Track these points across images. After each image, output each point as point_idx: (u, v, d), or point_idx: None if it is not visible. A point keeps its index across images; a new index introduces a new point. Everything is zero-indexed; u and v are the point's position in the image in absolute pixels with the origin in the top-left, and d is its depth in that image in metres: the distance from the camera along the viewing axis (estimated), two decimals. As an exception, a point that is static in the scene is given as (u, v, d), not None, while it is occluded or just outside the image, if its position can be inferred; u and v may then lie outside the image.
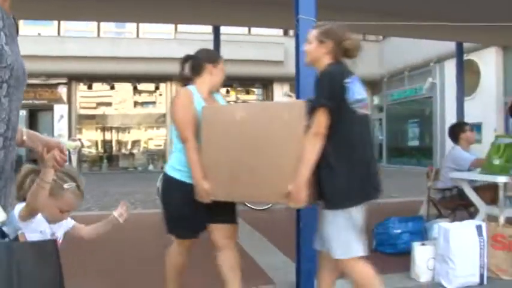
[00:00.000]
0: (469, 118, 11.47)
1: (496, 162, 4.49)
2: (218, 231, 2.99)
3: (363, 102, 2.72)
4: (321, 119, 2.51)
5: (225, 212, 2.98)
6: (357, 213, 2.60)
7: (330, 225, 2.63)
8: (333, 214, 2.61)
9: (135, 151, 22.56)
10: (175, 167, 2.91)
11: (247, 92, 22.47)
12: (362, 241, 2.61)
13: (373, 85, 22.47)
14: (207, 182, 2.74)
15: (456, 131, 5.77)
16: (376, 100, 22.76)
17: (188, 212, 2.87)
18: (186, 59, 3.12)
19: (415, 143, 20.49)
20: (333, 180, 2.56)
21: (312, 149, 2.50)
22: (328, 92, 2.55)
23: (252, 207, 7.68)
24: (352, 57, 2.78)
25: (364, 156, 2.63)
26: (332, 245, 2.62)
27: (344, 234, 2.58)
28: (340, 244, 2.59)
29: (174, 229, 3.01)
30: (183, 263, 3.09)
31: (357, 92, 2.66)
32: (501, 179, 4.42)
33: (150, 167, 21.04)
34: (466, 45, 10.75)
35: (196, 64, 3.07)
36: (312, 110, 2.56)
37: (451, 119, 9.90)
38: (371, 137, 2.87)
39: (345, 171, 2.54)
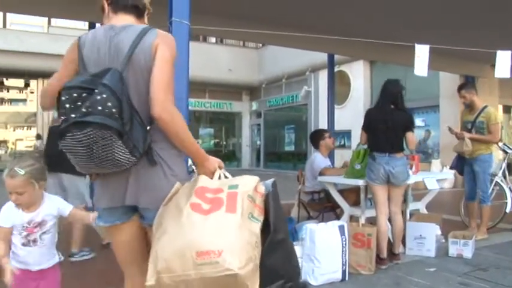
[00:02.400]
0: (340, 125, 12.26)
1: (358, 167, 4.86)
2: None
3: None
4: None
5: None
6: None
7: None
8: None
9: (0, 152, 20.89)
10: None
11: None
12: None
13: (252, 91, 23.05)
14: None
15: (316, 138, 6.14)
16: (254, 106, 23.33)
17: None
18: None
19: (291, 148, 21.34)
20: None
21: None
22: None
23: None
24: None
25: None
26: None
27: None
28: None
29: None
30: None
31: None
32: (362, 182, 4.80)
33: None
34: (338, 56, 11.46)
35: None
36: None
37: (324, 125, 10.47)
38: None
39: None
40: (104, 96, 1.72)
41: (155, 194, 1.93)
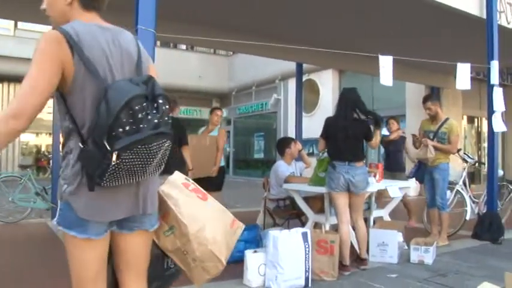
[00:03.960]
0: (309, 133, 12.36)
1: (322, 175, 4.93)
2: None
3: None
4: None
5: None
6: None
7: None
8: None
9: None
10: None
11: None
12: None
13: (222, 98, 23.03)
14: None
15: (283, 146, 6.20)
16: (224, 113, 23.20)
17: None
18: None
19: (260, 155, 21.40)
20: None
21: None
22: None
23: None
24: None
25: None
26: None
27: None
28: None
29: None
30: None
31: None
32: (326, 190, 4.86)
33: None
34: (307, 65, 11.59)
35: None
36: None
37: (293, 133, 10.58)
38: None
39: None
40: (167, 107, 1.76)
41: (155, 198, 2.00)
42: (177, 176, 2.24)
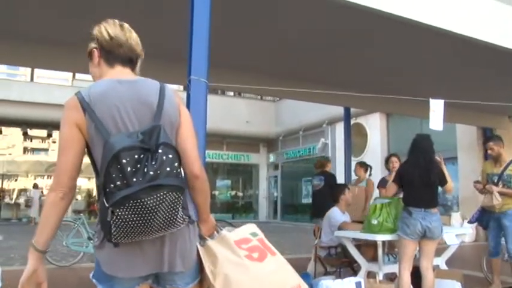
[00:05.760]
0: (357, 177, 12.16)
1: (374, 222, 4.81)
2: None
3: None
4: None
5: None
6: None
7: None
8: None
9: (20, 201, 21.12)
10: None
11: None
12: None
13: (269, 143, 23.20)
14: None
15: (337, 193, 6.11)
16: (272, 158, 23.39)
17: None
18: None
19: (308, 200, 21.10)
20: None
21: None
22: None
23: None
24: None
25: None
26: None
27: None
28: None
29: None
30: None
31: None
32: (379, 238, 4.75)
33: (38, 219, 19.67)
34: (354, 109, 11.55)
35: None
36: None
37: (341, 177, 10.45)
38: None
39: None
40: (170, 156, 1.68)
41: (189, 255, 1.89)
42: (239, 231, 2.10)
